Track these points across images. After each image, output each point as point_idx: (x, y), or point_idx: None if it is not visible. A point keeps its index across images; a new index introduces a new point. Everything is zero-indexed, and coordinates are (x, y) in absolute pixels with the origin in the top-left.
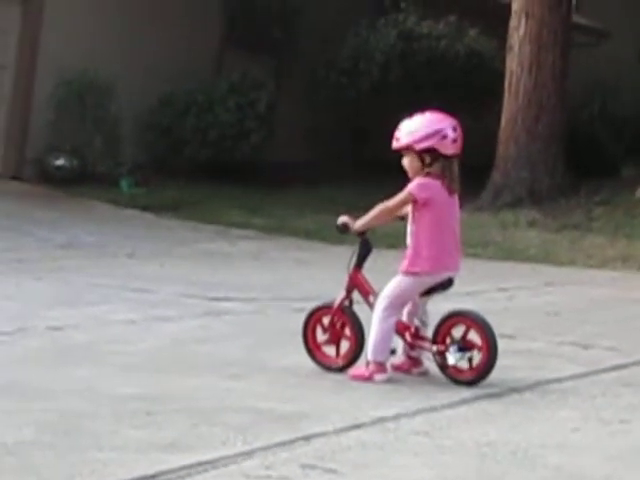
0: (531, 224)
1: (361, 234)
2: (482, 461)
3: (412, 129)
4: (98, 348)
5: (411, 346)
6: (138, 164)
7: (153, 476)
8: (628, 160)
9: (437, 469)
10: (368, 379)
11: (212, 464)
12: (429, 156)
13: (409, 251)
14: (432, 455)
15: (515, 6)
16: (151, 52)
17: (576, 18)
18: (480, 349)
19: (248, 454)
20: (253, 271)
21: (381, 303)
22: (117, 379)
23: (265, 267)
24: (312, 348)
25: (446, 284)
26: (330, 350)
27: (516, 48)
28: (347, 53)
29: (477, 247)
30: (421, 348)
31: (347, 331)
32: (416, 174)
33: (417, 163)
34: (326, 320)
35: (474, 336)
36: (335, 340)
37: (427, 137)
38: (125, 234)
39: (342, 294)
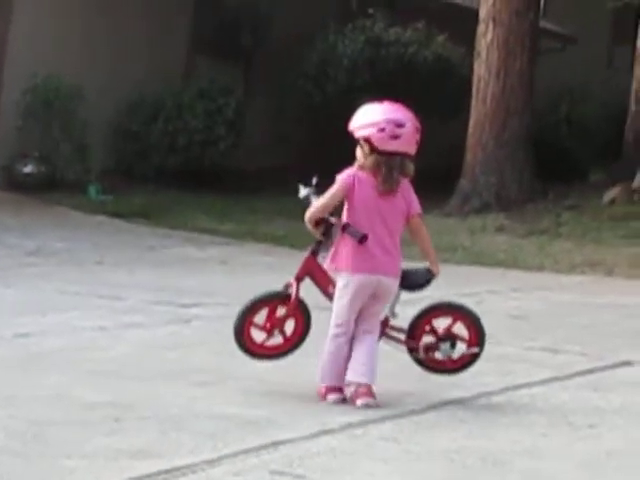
0: (499, 229)
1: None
2: (451, 467)
3: (358, 116)
4: (67, 355)
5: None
6: (106, 170)
7: None
8: (596, 165)
9: (406, 475)
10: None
11: (181, 471)
12: (367, 147)
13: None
14: (401, 461)
15: (482, 12)
16: (119, 57)
17: (543, 23)
18: (467, 342)
19: (217, 461)
20: (223, 277)
21: None
22: (86, 386)
23: (234, 273)
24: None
25: None
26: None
27: (484, 54)
28: (315, 59)
29: (445, 252)
30: (394, 340)
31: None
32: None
33: (359, 153)
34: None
35: (460, 329)
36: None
37: (364, 126)
38: (94, 241)
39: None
